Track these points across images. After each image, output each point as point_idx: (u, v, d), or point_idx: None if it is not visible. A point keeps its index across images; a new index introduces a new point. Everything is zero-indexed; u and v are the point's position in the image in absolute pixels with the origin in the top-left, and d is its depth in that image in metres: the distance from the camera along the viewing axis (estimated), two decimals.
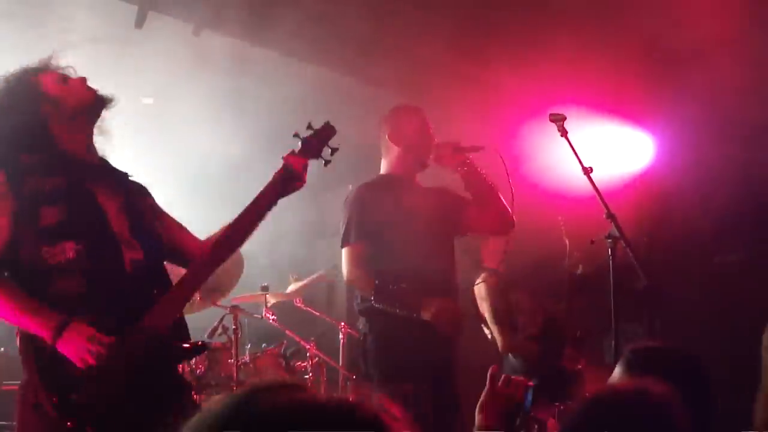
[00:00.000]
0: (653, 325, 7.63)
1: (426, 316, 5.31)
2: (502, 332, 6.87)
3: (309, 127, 4.31)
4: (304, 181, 4.25)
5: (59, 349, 3.61)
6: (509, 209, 5.62)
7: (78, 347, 3.61)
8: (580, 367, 6.72)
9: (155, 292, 3.92)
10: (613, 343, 5.00)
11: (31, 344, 3.74)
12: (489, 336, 6.98)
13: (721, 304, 7.98)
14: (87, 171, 4.04)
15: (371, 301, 5.46)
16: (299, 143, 4.28)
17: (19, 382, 3.91)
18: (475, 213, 5.64)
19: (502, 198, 5.62)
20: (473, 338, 5.80)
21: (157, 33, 7.66)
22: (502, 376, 3.10)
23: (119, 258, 3.90)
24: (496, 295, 6.97)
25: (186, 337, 4.10)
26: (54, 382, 3.66)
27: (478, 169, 5.60)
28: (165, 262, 4.20)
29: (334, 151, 4.32)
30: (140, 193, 4.31)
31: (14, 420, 3.97)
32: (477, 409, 3.05)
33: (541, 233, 6.97)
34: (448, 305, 5.40)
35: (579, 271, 6.90)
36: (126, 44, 8.07)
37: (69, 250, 3.78)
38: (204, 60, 7.92)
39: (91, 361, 3.61)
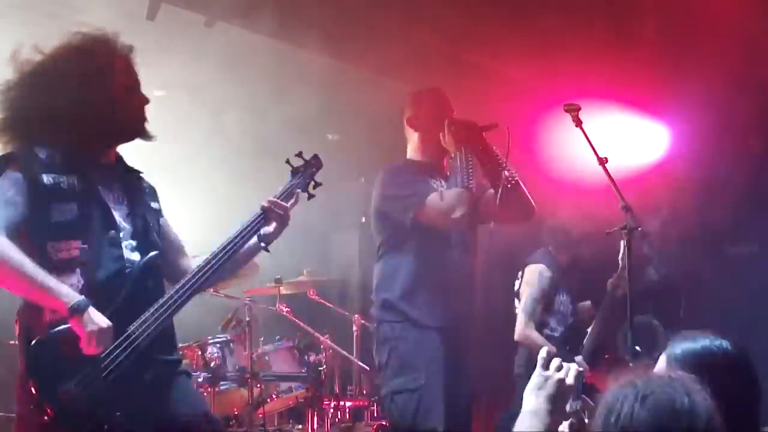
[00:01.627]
0: (668, 317, 7.59)
1: None
2: (526, 323, 6.83)
3: (299, 155, 4.53)
4: (287, 219, 4.42)
5: (71, 324, 3.62)
6: (529, 197, 5.50)
7: (92, 331, 3.62)
8: (585, 376, 6.67)
9: (148, 298, 3.93)
10: (629, 335, 4.97)
11: (26, 331, 3.76)
12: (516, 311, 6.93)
13: (734, 294, 7.95)
14: (101, 170, 4.06)
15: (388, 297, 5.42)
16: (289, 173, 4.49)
17: None
18: (494, 201, 5.37)
19: (522, 185, 5.43)
20: (489, 327, 5.74)
21: (170, 24, 7.64)
22: (553, 360, 3.03)
23: (119, 262, 3.92)
24: (542, 286, 6.92)
25: (171, 348, 4.17)
26: (40, 373, 3.66)
27: (493, 150, 5.35)
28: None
29: (317, 185, 4.54)
30: (149, 197, 4.35)
31: None
32: (526, 392, 3.00)
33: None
34: None
35: (619, 293, 6.81)
36: (138, 36, 8.05)
37: (74, 248, 3.80)
38: (216, 51, 7.90)
39: (96, 350, 3.63)
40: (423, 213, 5.24)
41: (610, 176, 5.05)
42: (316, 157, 4.56)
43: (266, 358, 7.65)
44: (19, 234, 3.79)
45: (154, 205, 4.34)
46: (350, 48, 8.14)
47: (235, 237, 4.20)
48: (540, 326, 6.87)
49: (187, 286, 4.03)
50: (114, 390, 3.68)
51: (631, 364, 4.82)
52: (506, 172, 5.27)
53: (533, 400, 2.94)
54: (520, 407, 6.88)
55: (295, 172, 4.50)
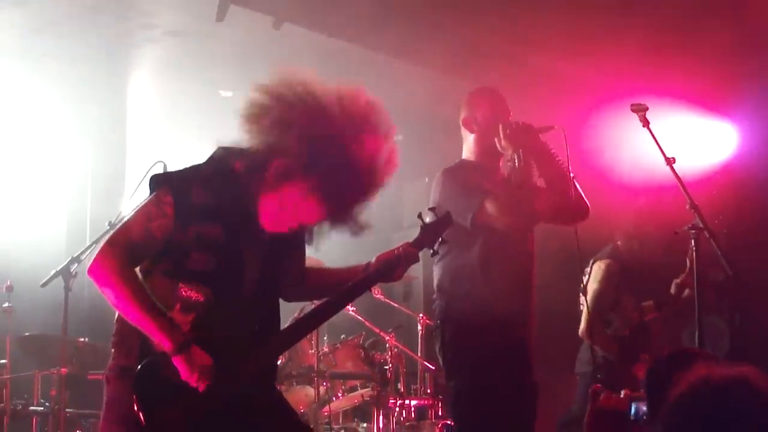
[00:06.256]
0: (734, 318, 7.54)
1: None
2: (592, 320, 6.78)
3: (432, 210, 4.41)
4: (399, 278, 4.30)
5: (174, 362, 3.69)
6: (583, 196, 5.42)
7: (193, 368, 3.70)
8: None
9: (258, 339, 3.97)
10: (696, 334, 4.95)
11: (142, 344, 3.83)
12: (581, 307, 6.89)
13: None
14: (249, 220, 3.97)
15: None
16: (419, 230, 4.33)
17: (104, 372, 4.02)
18: (546, 201, 5.37)
19: (576, 184, 5.36)
20: (552, 325, 5.72)
21: (238, 25, 7.73)
22: (603, 393, 3.04)
23: (237, 310, 3.92)
24: (609, 283, 6.89)
25: (272, 382, 4.19)
26: (144, 393, 3.75)
27: (551, 152, 5.33)
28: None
29: (443, 243, 4.38)
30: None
31: (100, 407, 4.06)
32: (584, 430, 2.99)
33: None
34: None
35: (685, 294, 6.76)
36: (207, 38, 8.16)
37: (201, 295, 3.84)
38: (284, 53, 7.97)
39: (198, 386, 3.71)
40: (482, 215, 5.23)
41: (678, 176, 5.03)
42: (448, 215, 4.42)
43: (332, 356, 7.69)
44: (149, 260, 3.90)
45: (297, 234, 4.20)
46: (417, 48, 8.18)
47: (356, 288, 4.17)
48: (605, 325, 6.84)
49: (302, 327, 4.18)
50: (210, 418, 3.77)
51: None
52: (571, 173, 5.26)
53: None
54: (582, 405, 6.88)
55: (425, 228, 4.33)
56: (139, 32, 8.30)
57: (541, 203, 5.36)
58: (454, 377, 5.35)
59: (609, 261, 6.93)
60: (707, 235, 5.00)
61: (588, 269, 7.01)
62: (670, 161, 5.05)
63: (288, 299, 4.38)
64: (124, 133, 9.49)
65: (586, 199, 5.42)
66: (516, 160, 5.23)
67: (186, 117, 9.42)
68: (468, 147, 5.61)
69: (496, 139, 5.34)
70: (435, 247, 4.38)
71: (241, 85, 8.37)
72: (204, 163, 4.00)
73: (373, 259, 4.24)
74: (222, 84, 8.97)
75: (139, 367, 3.78)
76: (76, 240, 8.59)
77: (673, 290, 6.78)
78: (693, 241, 5.04)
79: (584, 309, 6.81)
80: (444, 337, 5.40)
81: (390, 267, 4.19)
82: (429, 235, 4.33)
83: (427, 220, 4.41)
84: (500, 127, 5.32)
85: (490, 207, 5.22)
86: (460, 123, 5.63)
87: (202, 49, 8.34)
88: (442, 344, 5.42)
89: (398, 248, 4.22)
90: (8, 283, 7.32)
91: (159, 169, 5.72)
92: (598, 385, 3.11)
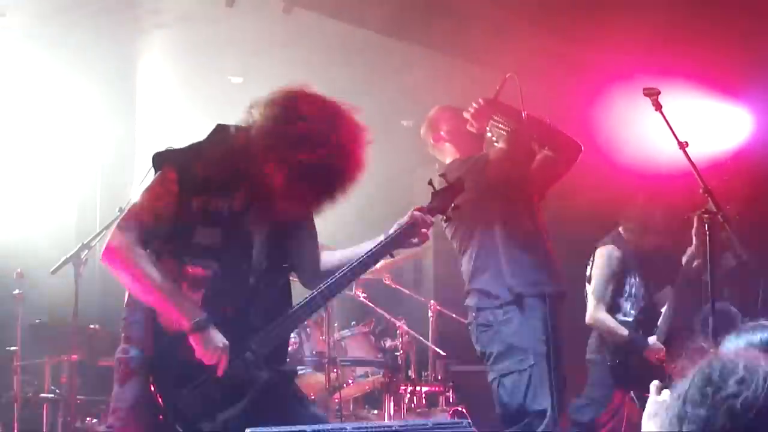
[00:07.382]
0: (746, 304, 7.49)
1: None
2: (597, 306, 6.79)
3: (442, 176, 4.44)
4: (426, 239, 4.30)
5: (191, 339, 3.71)
6: (565, 132, 5.53)
7: (208, 347, 3.72)
8: (660, 357, 6.63)
9: (269, 317, 3.98)
10: (710, 320, 4.91)
11: (154, 328, 3.84)
12: (586, 295, 6.90)
13: None
14: (257, 193, 3.99)
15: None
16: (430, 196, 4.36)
17: (114, 357, 4.01)
18: (539, 161, 5.51)
19: (560, 128, 5.53)
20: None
21: (248, 11, 7.70)
22: (664, 390, 3.00)
23: (246, 287, 3.96)
24: (612, 269, 6.89)
25: (283, 358, 4.21)
26: (160, 374, 3.78)
27: (515, 108, 5.41)
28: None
29: (456, 208, 4.37)
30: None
31: (111, 393, 4.06)
32: (645, 418, 2.95)
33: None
34: None
35: (694, 268, 6.70)
36: (216, 23, 8.13)
37: (208, 271, 3.87)
38: (294, 38, 7.94)
39: (212, 365, 3.74)
40: (493, 165, 5.46)
41: (691, 160, 4.99)
42: (459, 180, 4.43)
43: (342, 343, 7.68)
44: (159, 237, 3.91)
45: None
46: (425, 31, 8.16)
47: (375, 253, 4.21)
48: (613, 310, 6.83)
49: (312, 303, 4.10)
50: (226, 396, 3.80)
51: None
52: (524, 113, 5.33)
53: (652, 426, 2.89)
54: (593, 393, 6.88)
55: (437, 194, 4.37)
56: (148, 18, 8.28)
57: (535, 169, 5.52)
58: (494, 363, 5.41)
59: (611, 247, 6.96)
60: (721, 220, 4.97)
61: (591, 257, 7.02)
62: (683, 145, 5.01)
63: (308, 286, 4.37)
64: (134, 120, 9.48)
65: (568, 134, 5.56)
66: (495, 126, 5.44)
67: (196, 103, 9.40)
68: (452, 154, 5.85)
69: (468, 126, 5.57)
70: (448, 213, 4.39)
71: (252, 70, 8.38)
72: (205, 139, 4.02)
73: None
74: (233, 70, 8.95)
75: (154, 349, 3.79)
76: (86, 227, 8.57)
77: (684, 264, 6.74)
78: (706, 226, 5.01)
79: (590, 296, 6.84)
80: (479, 326, 5.51)
81: (405, 234, 4.23)
82: (441, 201, 4.35)
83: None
84: (463, 114, 5.57)
85: (495, 156, 5.49)
86: (432, 148, 5.96)
87: (212, 34, 8.30)
88: (477, 334, 5.52)
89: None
90: (19, 270, 7.34)
91: None
92: (660, 383, 3.07)
